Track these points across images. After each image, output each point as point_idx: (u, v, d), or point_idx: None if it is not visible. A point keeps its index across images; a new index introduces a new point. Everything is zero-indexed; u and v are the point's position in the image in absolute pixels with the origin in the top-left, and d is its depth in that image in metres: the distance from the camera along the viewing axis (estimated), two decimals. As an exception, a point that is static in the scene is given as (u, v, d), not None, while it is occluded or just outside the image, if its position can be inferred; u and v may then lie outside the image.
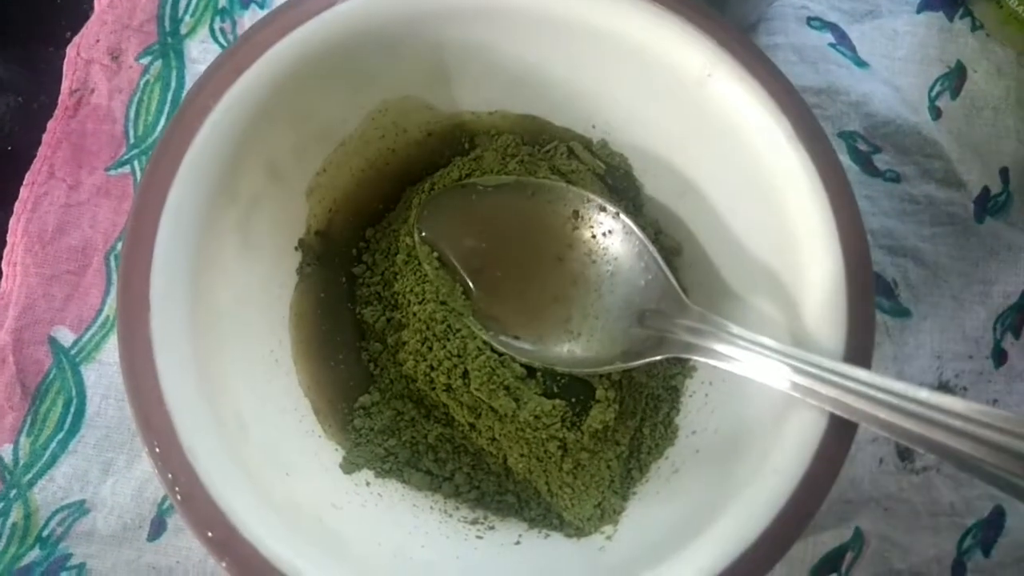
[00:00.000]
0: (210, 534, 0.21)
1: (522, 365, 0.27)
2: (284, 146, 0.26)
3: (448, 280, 0.27)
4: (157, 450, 0.21)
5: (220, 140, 0.24)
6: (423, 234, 0.28)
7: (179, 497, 0.21)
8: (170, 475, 0.21)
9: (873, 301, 0.23)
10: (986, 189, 0.35)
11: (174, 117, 0.23)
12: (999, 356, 0.34)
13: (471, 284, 0.28)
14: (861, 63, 0.36)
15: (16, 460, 0.31)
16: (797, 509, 0.21)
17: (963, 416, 0.19)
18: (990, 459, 0.19)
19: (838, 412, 0.21)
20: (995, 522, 0.32)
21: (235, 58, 0.24)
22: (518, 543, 0.26)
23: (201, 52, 0.35)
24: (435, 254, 0.28)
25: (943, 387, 0.33)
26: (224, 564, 0.21)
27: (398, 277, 0.28)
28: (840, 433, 0.21)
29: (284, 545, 0.21)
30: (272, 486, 0.23)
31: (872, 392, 0.20)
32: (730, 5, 0.32)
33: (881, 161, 0.35)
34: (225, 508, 0.21)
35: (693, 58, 0.25)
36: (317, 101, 0.26)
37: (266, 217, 0.26)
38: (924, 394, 0.20)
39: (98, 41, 0.34)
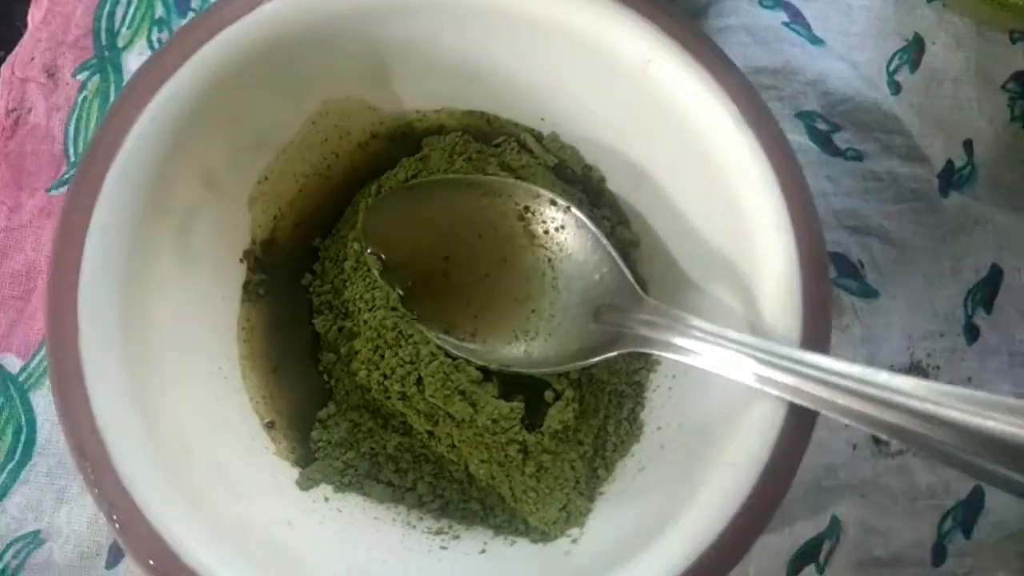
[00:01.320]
0: (152, 562, 0.20)
1: (478, 368, 0.26)
2: (219, 154, 0.25)
3: (397, 285, 0.27)
4: (92, 478, 0.20)
5: (147, 151, 0.23)
6: (370, 239, 0.27)
7: (117, 526, 0.20)
8: (107, 504, 0.20)
9: (829, 285, 0.22)
10: (950, 163, 0.35)
11: (98, 129, 0.23)
12: (971, 332, 0.33)
13: (422, 288, 0.27)
14: (816, 40, 0.35)
15: (-34, 493, 0.30)
16: (760, 501, 0.20)
17: (926, 398, 0.18)
18: (957, 442, 0.18)
19: (796, 400, 0.20)
20: (975, 502, 0.31)
21: (159, 65, 0.23)
22: (483, 552, 0.25)
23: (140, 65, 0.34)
24: (383, 258, 0.27)
25: (915, 367, 0.33)
26: (167, 593, 0.20)
27: (348, 284, 0.27)
28: (800, 422, 0.21)
29: (232, 570, 0.20)
30: (220, 509, 0.22)
31: (829, 377, 0.20)
32: (679, -12, 0.32)
33: (841, 140, 0.34)
34: (166, 535, 0.20)
35: (635, 45, 0.24)
36: (251, 105, 0.25)
37: (205, 229, 0.25)
38: (883, 377, 0.19)
39: (33, 59, 0.33)
